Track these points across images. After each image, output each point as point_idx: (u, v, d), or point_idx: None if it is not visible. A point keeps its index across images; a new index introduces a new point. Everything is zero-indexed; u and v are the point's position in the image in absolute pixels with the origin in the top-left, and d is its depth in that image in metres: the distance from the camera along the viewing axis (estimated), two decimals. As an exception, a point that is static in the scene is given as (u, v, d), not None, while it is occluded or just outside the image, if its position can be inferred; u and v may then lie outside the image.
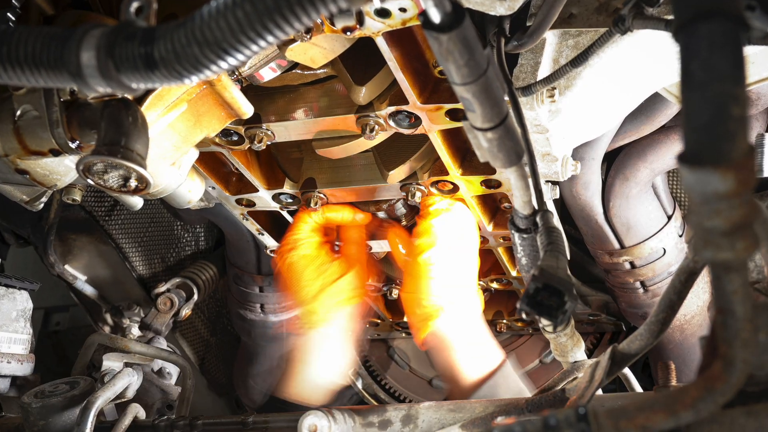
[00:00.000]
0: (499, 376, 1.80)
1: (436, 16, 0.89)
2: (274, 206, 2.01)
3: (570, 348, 1.50)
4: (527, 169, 1.21)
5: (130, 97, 1.30)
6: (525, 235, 1.29)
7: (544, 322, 1.45)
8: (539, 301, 1.04)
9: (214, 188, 1.96)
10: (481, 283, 2.32)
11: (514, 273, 2.26)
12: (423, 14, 0.89)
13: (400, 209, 2.03)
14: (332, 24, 1.33)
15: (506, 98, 1.24)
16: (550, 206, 1.84)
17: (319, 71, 1.65)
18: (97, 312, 2.58)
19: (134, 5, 0.99)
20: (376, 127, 1.63)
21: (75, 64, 0.95)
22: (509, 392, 1.74)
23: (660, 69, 1.52)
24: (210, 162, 1.92)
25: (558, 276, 1.05)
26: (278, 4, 0.82)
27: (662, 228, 2.12)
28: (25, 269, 2.64)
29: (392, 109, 1.59)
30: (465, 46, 0.92)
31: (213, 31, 0.87)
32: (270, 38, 0.85)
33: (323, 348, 1.95)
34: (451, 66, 0.95)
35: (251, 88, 1.65)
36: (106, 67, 0.94)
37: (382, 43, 1.37)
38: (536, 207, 1.25)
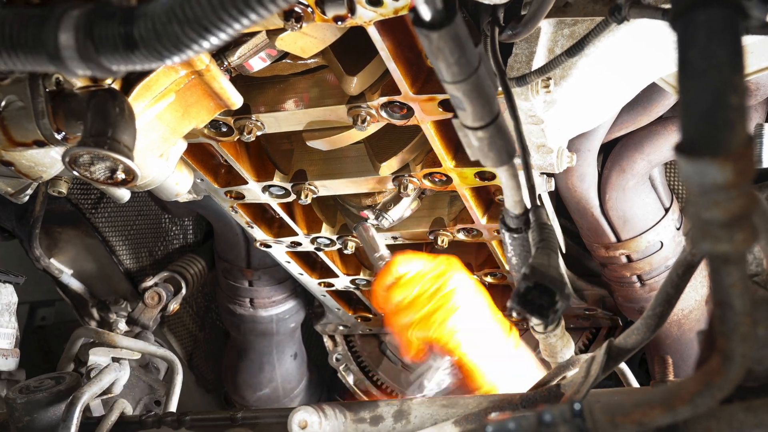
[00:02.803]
0: None
1: (426, 13, 0.86)
2: (264, 199, 1.99)
3: (560, 349, 1.49)
4: (519, 166, 1.19)
5: (116, 86, 1.27)
6: (516, 235, 1.26)
7: (534, 322, 1.43)
8: (530, 300, 1.02)
9: (202, 180, 1.94)
10: (476, 276, 2.31)
11: (508, 267, 2.25)
12: (413, 11, 0.87)
13: None
14: (323, 13, 1.30)
15: (499, 89, 1.22)
16: (545, 199, 1.82)
17: (309, 61, 1.62)
18: (84, 306, 2.55)
19: (115, -16, 0.96)
20: (368, 117, 1.61)
21: (53, 46, 0.91)
22: None
23: (657, 58, 1.51)
24: (198, 153, 1.89)
25: (549, 274, 1.03)
26: None
27: (659, 221, 2.10)
28: (10, 263, 2.61)
29: (384, 99, 1.57)
30: (456, 44, 0.89)
31: (194, 8, 0.83)
32: (253, 16, 0.81)
33: None
34: (441, 64, 0.92)
35: (240, 78, 1.62)
36: (86, 48, 0.91)
37: (374, 33, 1.35)
38: (528, 206, 1.23)
